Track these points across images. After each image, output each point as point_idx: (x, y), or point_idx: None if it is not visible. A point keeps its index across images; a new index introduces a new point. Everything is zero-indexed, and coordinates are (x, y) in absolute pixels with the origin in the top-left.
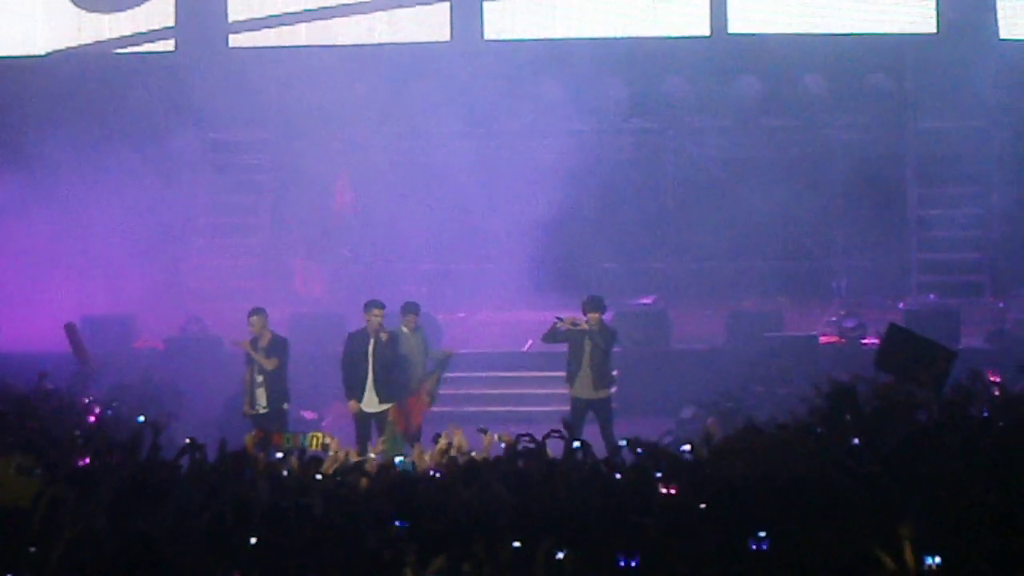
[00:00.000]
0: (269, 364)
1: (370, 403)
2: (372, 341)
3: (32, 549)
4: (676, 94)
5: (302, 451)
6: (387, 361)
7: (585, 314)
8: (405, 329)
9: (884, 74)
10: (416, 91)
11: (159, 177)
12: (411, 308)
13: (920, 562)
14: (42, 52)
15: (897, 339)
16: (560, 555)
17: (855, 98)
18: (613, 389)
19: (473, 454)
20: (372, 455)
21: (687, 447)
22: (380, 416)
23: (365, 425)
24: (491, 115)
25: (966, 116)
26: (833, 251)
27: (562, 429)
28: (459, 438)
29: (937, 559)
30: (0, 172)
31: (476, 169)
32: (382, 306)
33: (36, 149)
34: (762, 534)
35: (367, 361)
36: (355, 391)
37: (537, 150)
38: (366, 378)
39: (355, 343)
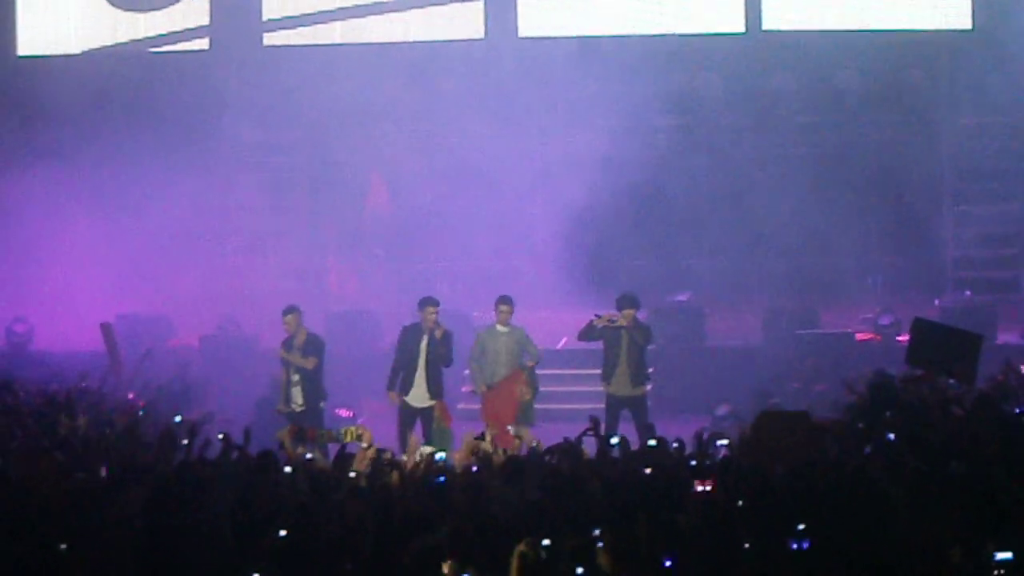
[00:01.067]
0: (308, 363)
1: (419, 398)
2: (425, 337)
3: (63, 547)
4: (710, 91)
5: (341, 445)
6: (439, 358)
7: (620, 311)
8: (500, 327)
9: (919, 70)
10: (450, 89)
11: (194, 176)
12: (504, 300)
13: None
14: (77, 51)
15: (924, 333)
16: (589, 550)
17: (890, 95)
18: (649, 386)
19: (508, 451)
20: (405, 454)
21: (724, 441)
22: (427, 411)
23: (410, 419)
24: (525, 113)
25: (1001, 112)
26: (868, 248)
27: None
28: (489, 441)
29: (1007, 554)
30: (36, 172)
31: (510, 167)
32: (437, 303)
33: (71, 149)
34: (801, 527)
35: (418, 356)
36: (398, 383)
37: (571, 147)
38: (414, 372)
39: (408, 337)
